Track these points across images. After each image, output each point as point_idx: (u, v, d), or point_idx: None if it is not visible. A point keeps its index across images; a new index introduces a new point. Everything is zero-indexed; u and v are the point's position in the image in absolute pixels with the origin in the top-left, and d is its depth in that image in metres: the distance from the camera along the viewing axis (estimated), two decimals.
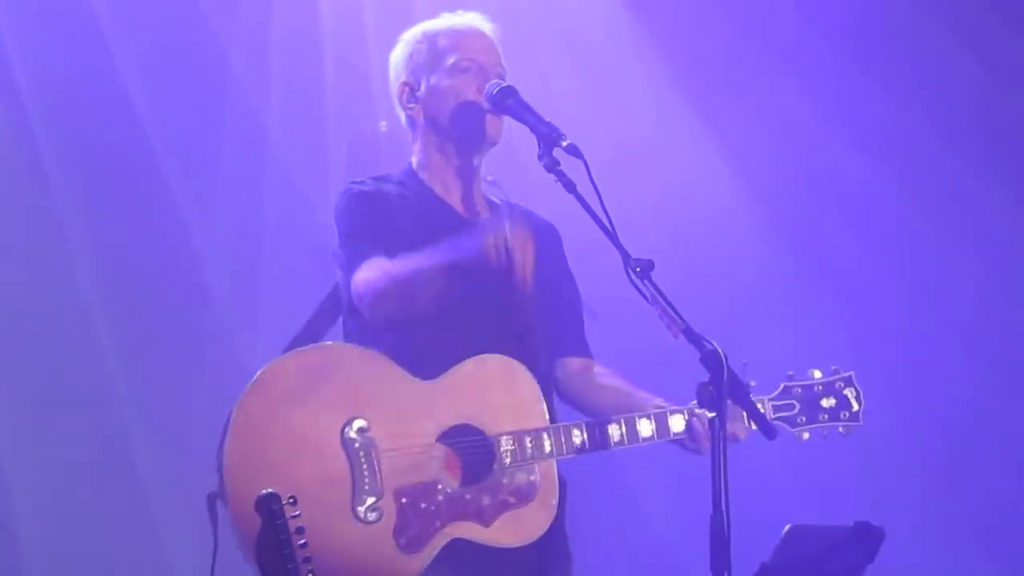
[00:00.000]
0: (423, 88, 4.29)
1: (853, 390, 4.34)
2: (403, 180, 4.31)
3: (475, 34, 4.31)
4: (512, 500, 4.05)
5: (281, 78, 6.70)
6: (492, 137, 4.24)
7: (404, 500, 3.95)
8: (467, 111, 4.22)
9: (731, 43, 6.99)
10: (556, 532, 4.17)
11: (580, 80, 6.77)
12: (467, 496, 4.01)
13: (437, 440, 4.01)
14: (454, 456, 4.03)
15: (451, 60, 4.26)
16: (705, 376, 3.68)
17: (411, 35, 4.37)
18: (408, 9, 5.86)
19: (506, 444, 4.04)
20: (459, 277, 3.99)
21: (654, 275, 3.85)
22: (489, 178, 4.43)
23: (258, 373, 3.99)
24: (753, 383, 4.11)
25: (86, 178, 6.40)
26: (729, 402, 3.80)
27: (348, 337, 4.24)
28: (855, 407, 4.33)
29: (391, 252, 4.08)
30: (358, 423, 3.96)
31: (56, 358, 6.31)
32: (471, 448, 4.03)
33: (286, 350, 4.16)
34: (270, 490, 3.42)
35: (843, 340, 6.82)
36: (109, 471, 6.28)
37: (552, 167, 4.00)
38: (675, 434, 4.18)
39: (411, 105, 4.32)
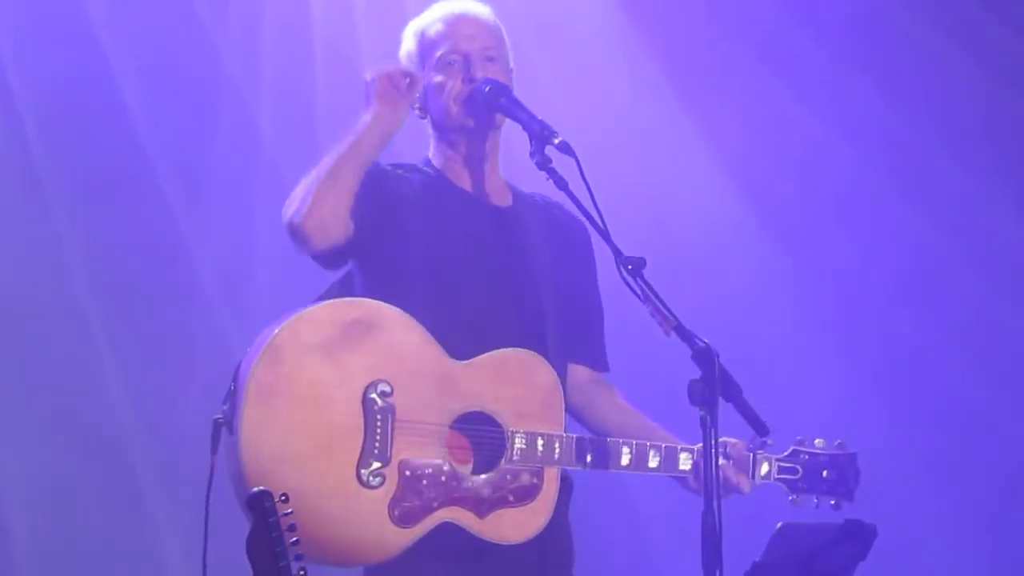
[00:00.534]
0: (421, 84, 4.31)
1: (853, 470, 4.43)
2: (418, 167, 4.37)
3: (463, 20, 4.33)
4: (511, 499, 4.07)
5: (273, 78, 6.69)
6: (490, 123, 4.27)
7: (408, 473, 3.96)
8: (457, 104, 4.25)
9: (724, 40, 6.98)
10: (559, 532, 4.19)
11: (572, 78, 6.76)
12: (469, 484, 4.03)
13: (454, 423, 4.03)
14: (466, 442, 4.05)
15: (439, 53, 4.30)
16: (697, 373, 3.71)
17: (407, 31, 4.42)
18: (400, 8, 5.86)
19: (519, 442, 4.06)
20: (472, 259, 4.06)
21: (646, 272, 3.86)
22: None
23: (298, 312, 3.99)
24: (770, 442, 4.23)
25: (78, 177, 6.38)
26: (736, 466, 4.08)
27: None
28: (851, 486, 4.42)
29: (400, 228, 4.12)
30: (383, 386, 3.96)
31: (49, 357, 6.29)
32: (484, 438, 4.06)
33: None
34: (261, 488, 3.41)
35: (838, 338, 6.82)
36: (102, 470, 6.27)
37: (544, 165, 4.03)
38: (680, 471, 4.22)
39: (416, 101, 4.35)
